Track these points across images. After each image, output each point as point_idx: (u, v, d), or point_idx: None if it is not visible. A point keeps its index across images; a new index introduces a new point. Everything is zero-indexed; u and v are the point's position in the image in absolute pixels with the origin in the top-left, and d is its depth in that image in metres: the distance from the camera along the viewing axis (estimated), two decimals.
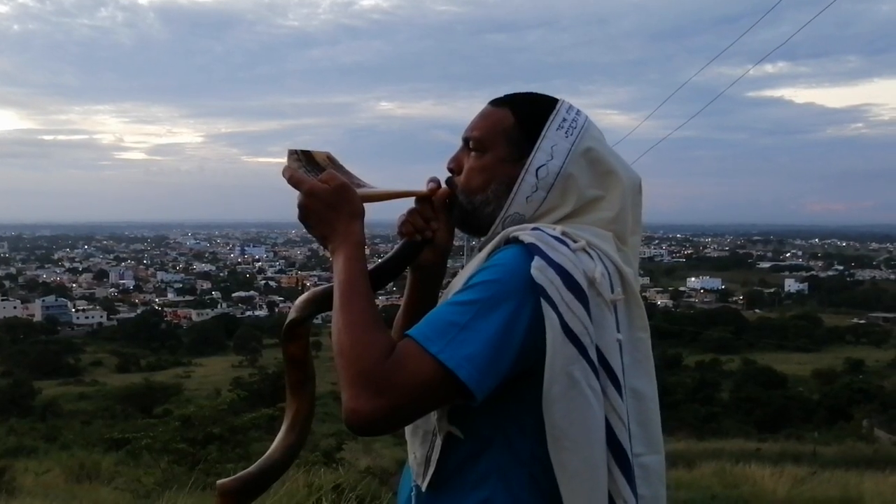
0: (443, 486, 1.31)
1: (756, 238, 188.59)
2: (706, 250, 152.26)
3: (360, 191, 1.35)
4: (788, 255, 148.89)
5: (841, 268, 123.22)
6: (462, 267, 1.47)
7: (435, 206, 1.42)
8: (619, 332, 1.27)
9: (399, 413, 1.17)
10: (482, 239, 1.40)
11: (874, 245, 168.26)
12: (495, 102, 1.43)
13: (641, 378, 1.33)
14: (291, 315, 1.39)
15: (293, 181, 1.33)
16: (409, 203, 1.45)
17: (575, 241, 1.27)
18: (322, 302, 1.38)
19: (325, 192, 1.31)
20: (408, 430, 1.40)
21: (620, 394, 1.25)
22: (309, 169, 1.36)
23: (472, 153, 1.40)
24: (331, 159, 1.40)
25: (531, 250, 1.23)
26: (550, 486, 1.24)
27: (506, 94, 1.44)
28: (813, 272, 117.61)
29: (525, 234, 1.27)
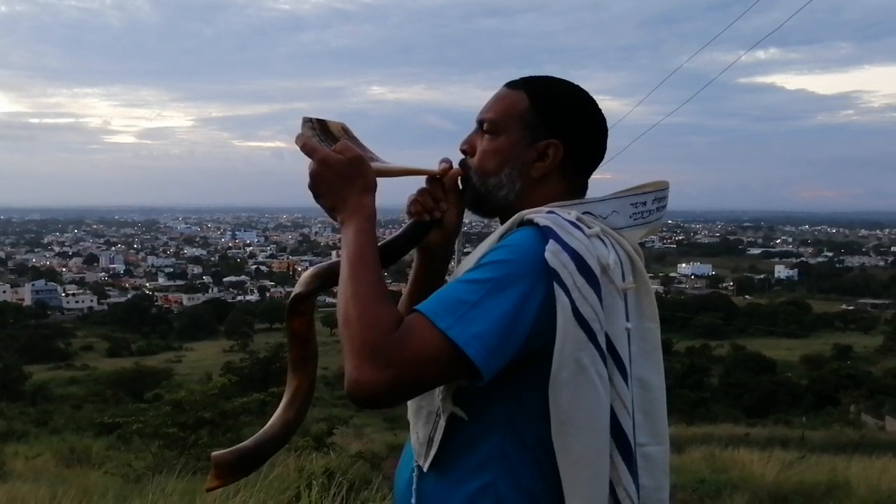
0: (445, 469, 1.30)
1: (746, 224, 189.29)
2: (697, 236, 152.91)
3: (373, 165, 1.34)
4: (779, 241, 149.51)
5: (830, 254, 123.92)
6: (454, 256, 1.46)
7: (446, 187, 1.41)
8: (628, 320, 1.27)
9: (403, 386, 1.16)
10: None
11: (864, 232, 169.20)
12: (511, 85, 1.41)
13: (649, 368, 1.32)
14: (296, 289, 1.36)
15: (306, 149, 1.30)
16: (419, 183, 1.43)
17: (589, 227, 1.26)
18: (328, 277, 1.36)
19: (339, 162, 1.28)
20: (411, 409, 1.38)
21: (626, 382, 1.25)
22: (323, 138, 1.34)
23: (486, 136, 1.39)
24: (346, 130, 1.37)
25: (546, 233, 1.22)
26: (553, 470, 1.23)
27: (521, 76, 1.42)
28: (803, 259, 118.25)
29: (540, 216, 1.26)
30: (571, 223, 1.25)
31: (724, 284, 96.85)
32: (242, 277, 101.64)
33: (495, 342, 1.16)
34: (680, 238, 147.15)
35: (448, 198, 1.41)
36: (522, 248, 1.22)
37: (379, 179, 1.33)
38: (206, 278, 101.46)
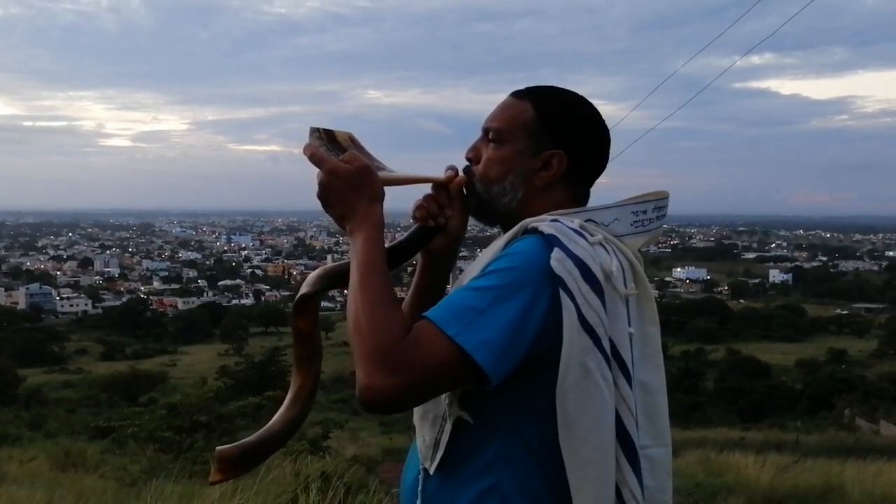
0: (450, 471, 1.33)
1: (741, 229, 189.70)
2: (692, 241, 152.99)
3: (380, 174, 1.36)
4: (773, 245, 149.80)
5: (825, 259, 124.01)
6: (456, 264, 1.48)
7: (451, 194, 1.43)
8: (630, 325, 1.29)
9: (412, 392, 1.18)
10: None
11: (858, 236, 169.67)
12: (516, 94, 1.43)
13: (650, 372, 1.35)
14: (303, 289, 1.39)
15: (314, 159, 1.32)
16: (426, 188, 1.45)
17: (592, 235, 1.29)
18: (334, 278, 1.38)
19: (347, 172, 1.31)
20: (417, 413, 1.41)
21: (630, 386, 1.27)
22: (330, 148, 1.35)
23: (491, 144, 1.41)
24: (353, 140, 1.39)
25: (550, 241, 1.25)
26: (557, 473, 1.26)
27: (527, 86, 1.45)
28: (797, 263, 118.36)
29: (544, 225, 1.28)
30: (575, 231, 1.27)
31: (719, 288, 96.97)
32: (237, 281, 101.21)
33: (503, 348, 1.19)
34: (675, 242, 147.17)
35: (453, 204, 1.43)
36: (528, 256, 1.25)
37: (386, 188, 1.35)
38: (201, 282, 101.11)
